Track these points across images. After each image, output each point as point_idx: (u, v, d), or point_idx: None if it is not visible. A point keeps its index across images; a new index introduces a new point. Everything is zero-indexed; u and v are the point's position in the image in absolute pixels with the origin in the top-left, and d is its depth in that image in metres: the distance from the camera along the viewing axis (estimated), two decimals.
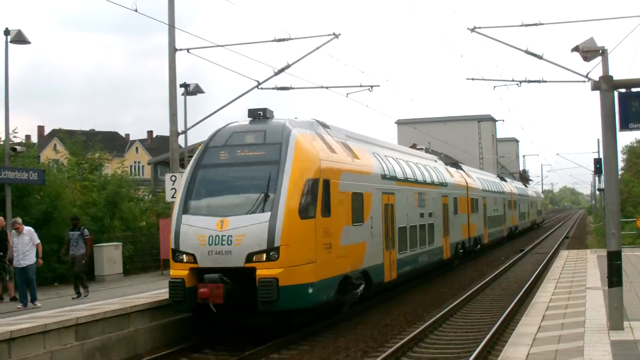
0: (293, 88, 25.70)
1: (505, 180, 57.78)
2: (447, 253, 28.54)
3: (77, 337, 14.56)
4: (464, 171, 37.38)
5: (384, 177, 21.10)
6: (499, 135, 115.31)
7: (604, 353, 10.66)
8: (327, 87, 26.48)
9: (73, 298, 19.07)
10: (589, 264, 25.84)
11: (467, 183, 34.83)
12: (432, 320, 17.72)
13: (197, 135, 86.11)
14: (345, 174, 17.71)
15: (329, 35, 22.99)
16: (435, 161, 32.01)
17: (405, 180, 23.49)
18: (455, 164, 39.64)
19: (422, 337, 16.11)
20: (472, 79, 32.84)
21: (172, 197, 21.83)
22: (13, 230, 18.30)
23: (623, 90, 12.80)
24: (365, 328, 17.22)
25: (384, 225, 20.44)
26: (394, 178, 22.12)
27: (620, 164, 66.20)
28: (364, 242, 18.78)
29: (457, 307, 20.33)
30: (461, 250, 31.90)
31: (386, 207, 20.81)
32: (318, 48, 23.27)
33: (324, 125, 18.71)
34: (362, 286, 18.43)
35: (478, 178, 40.55)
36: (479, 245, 36.82)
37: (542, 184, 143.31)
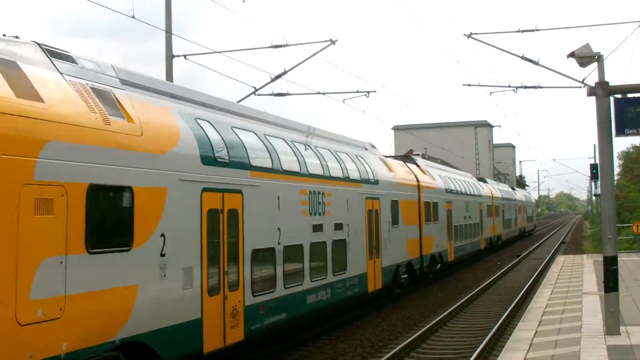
0: (290, 94, 25.82)
1: (485, 182, 49.69)
2: (375, 282, 20.22)
3: None
4: (417, 165, 28.63)
5: (206, 159, 11.95)
6: (496, 141, 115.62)
7: (601, 358, 10.72)
8: (323, 93, 26.55)
9: None
10: (586, 269, 25.95)
11: (418, 181, 26.23)
12: (429, 325, 17.74)
13: None
14: (57, 144, 8.70)
15: (325, 41, 23.08)
16: (366, 149, 22.54)
17: (277, 171, 14.61)
18: (406, 157, 30.56)
19: (419, 342, 16.14)
20: (469, 85, 32.89)
21: None
22: None
23: (619, 95, 12.92)
24: (363, 333, 17.23)
25: (206, 248, 11.65)
26: (240, 164, 13.12)
27: (616, 170, 66.46)
28: (132, 285, 9.84)
29: (454, 312, 20.36)
30: (404, 276, 23.46)
31: (214, 217, 12.02)
32: (315, 54, 23.36)
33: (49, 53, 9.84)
34: None
35: (440, 176, 31.55)
36: (439, 265, 28.18)
37: (539, 189, 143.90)
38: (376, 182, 21.09)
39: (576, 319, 14.48)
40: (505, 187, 60.73)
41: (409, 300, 23.33)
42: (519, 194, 67.23)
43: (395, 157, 28.82)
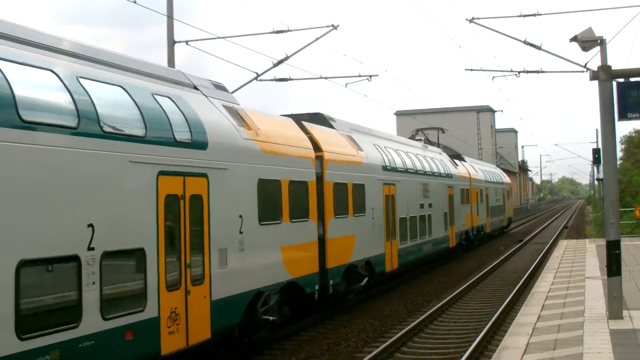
0: (292, 79, 25.79)
1: (330, 124, 19.03)
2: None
3: None
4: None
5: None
6: (498, 125, 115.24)
7: (603, 342, 10.73)
8: (326, 78, 26.57)
9: None
10: (588, 254, 25.95)
11: None
12: (432, 310, 17.79)
13: None
14: None
15: (327, 26, 23.04)
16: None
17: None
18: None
19: (422, 327, 16.19)
20: (471, 70, 32.87)
21: None
22: None
23: (621, 80, 12.86)
24: (366, 318, 17.29)
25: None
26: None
27: (619, 154, 66.33)
28: None
29: (456, 297, 20.40)
30: None
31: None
32: (317, 39, 23.31)
33: None
34: None
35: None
36: None
37: (541, 174, 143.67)
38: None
39: (579, 304, 14.50)
40: (434, 153, 31.20)
41: (411, 285, 23.39)
42: (465, 168, 36.57)
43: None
